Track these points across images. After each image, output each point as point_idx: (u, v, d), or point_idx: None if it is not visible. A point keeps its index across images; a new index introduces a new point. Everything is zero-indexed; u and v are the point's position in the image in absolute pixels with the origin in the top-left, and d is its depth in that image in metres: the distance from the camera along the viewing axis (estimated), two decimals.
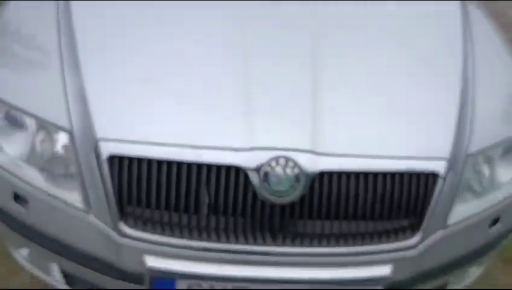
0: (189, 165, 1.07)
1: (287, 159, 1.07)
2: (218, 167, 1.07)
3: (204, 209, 1.09)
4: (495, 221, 1.34)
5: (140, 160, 1.08)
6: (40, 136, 1.18)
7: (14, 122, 1.22)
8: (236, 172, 1.07)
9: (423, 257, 1.20)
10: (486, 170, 1.28)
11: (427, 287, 1.31)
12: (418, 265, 1.21)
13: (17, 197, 1.21)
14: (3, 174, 1.21)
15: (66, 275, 1.30)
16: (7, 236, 1.38)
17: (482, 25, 1.62)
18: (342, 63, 1.30)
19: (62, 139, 1.16)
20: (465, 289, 1.47)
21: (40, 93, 1.23)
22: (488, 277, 1.87)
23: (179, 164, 1.07)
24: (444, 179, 1.15)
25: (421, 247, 1.18)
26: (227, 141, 1.09)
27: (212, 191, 1.08)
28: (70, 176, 1.15)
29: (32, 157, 1.19)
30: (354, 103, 1.22)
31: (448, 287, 1.40)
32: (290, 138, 1.10)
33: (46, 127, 1.17)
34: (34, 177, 1.18)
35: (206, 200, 1.09)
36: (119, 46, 1.30)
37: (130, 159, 1.08)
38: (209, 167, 1.07)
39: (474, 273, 1.49)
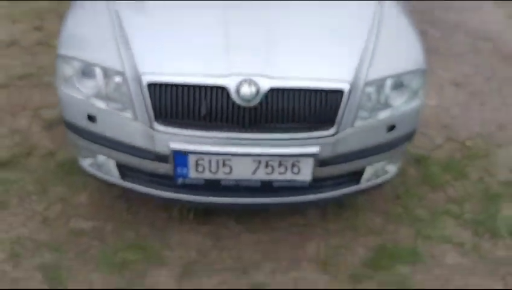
0: (195, 86, 1.85)
1: (251, 81, 1.84)
2: (212, 87, 1.85)
3: (203, 112, 1.86)
4: (391, 128, 2.09)
5: (167, 85, 1.85)
6: (105, 78, 1.97)
7: (86, 72, 2.02)
8: (222, 89, 1.84)
9: (338, 144, 1.95)
10: (380, 94, 2.04)
11: (348, 168, 2.06)
12: (335, 148, 1.96)
13: (90, 118, 2.00)
14: (81, 105, 2.01)
15: (120, 169, 2.07)
16: (79, 150, 2.14)
17: (392, 7, 2.42)
18: (286, 23, 2.13)
19: (118, 79, 1.94)
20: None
21: (102, 50, 2.01)
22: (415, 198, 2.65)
23: (189, 86, 1.85)
24: (348, 95, 1.92)
25: (336, 137, 1.93)
26: (217, 71, 1.86)
27: (208, 102, 1.85)
28: (125, 100, 1.93)
29: (99, 93, 1.98)
30: (291, 45, 2.02)
31: (367, 173, 2.15)
32: (252, 68, 1.87)
33: (108, 72, 1.96)
34: (101, 104, 1.97)
35: (204, 108, 1.86)
36: (149, 16, 2.17)
37: (161, 85, 1.86)
38: (206, 87, 1.85)
39: (388, 169, 2.23)
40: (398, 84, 2.10)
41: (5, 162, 2.66)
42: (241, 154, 1.89)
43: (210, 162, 1.90)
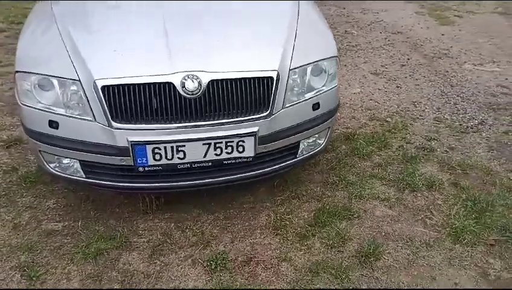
0: (145, 85, 2.13)
1: (193, 76, 2.16)
2: (160, 84, 2.14)
3: (155, 106, 2.14)
4: (317, 107, 2.48)
5: (119, 86, 2.13)
6: (61, 88, 2.21)
7: (43, 84, 2.24)
8: (169, 85, 2.14)
9: (273, 123, 2.30)
10: (303, 79, 2.42)
11: (285, 143, 2.41)
12: (272, 127, 2.31)
13: (52, 125, 2.22)
14: (42, 114, 2.23)
15: (84, 167, 2.30)
16: (43, 156, 2.35)
17: (305, 5, 2.84)
18: (216, 21, 2.53)
19: (74, 86, 2.19)
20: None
21: (56, 62, 2.25)
22: (346, 167, 3.04)
23: (139, 85, 2.13)
24: (276, 81, 2.28)
25: (271, 117, 2.29)
26: (163, 70, 2.16)
27: (157, 97, 2.14)
28: (83, 105, 2.18)
29: (58, 101, 2.21)
30: (223, 41, 2.38)
31: (301, 148, 2.51)
32: (193, 65, 2.19)
33: (64, 82, 2.20)
34: (61, 111, 2.21)
35: (155, 102, 2.15)
36: (94, 24, 2.48)
37: (113, 87, 2.13)
38: (155, 85, 2.14)
39: (318, 143, 2.61)
40: (318, 70, 2.50)
41: None
42: (192, 139, 2.19)
43: (165, 149, 2.19)
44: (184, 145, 2.20)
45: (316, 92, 2.47)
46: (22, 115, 2.32)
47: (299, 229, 2.48)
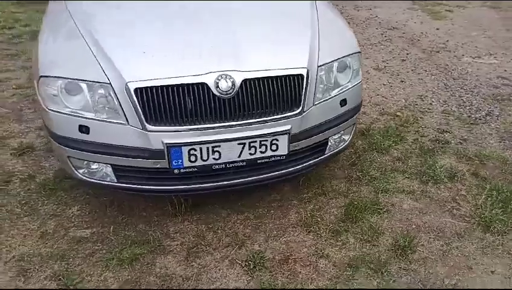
0: (179, 86, 2.11)
1: (227, 76, 2.14)
2: (194, 85, 2.12)
3: (189, 107, 2.12)
4: (344, 103, 2.49)
5: (153, 88, 2.09)
6: (90, 91, 2.16)
7: (71, 88, 2.19)
8: (202, 86, 2.12)
9: (305, 120, 2.31)
10: (330, 75, 2.43)
11: (315, 140, 2.42)
12: (303, 124, 2.31)
13: (82, 130, 2.18)
14: (71, 119, 2.18)
15: (116, 172, 2.26)
16: (71, 162, 2.29)
17: (321, 3, 2.85)
18: (241, 21, 2.52)
19: (104, 90, 2.15)
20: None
21: (83, 65, 2.20)
22: (367, 162, 3.06)
23: (173, 86, 2.10)
24: (307, 79, 2.28)
25: (302, 115, 2.29)
26: (196, 71, 2.14)
27: (191, 98, 2.12)
28: (114, 108, 2.14)
29: (87, 106, 2.17)
30: (252, 40, 2.37)
31: (329, 144, 2.52)
32: (226, 65, 2.17)
33: (93, 85, 2.16)
34: (91, 116, 2.16)
35: (190, 103, 2.12)
36: (118, 26, 2.44)
37: (147, 89, 2.10)
38: (189, 85, 2.11)
39: (344, 139, 2.62)
40: (342, 67, 2.51)
41: None
42: (227, 139, 2.17)
43: (201, 150, 2.16)
44: (219, 146, 2.18)
45: (343, 89, 2.48)
46: (48, 120, 2.26)
47: (331, 225, 2.48)
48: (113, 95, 2.13)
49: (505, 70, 4.63)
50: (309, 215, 2.56)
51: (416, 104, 3.93)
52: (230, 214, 2.59)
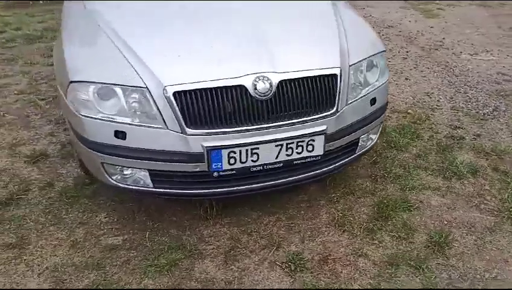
0: (217, 89, 2.08)
1: (264, 77, 2.12)
2: (232, 87, 2.09)
3: (228, 109, 2.09)
4: (374, 102, 2.50)
5: (191, 92, 2.06)
6: (125, 96, 2.12)
7: (104, 93, 2.14)
8: (240, 88, 2.10)
9: (339, 120, 2.30)
10: (360, 75, 2.44)
11: (348, 140, 2.42)
12: (338, 124, 2.31)
13: (118, 135, 2.12)
14: (106, 124, 2.12)
15: (153, 176, 2.21)
16: (105, 168, 2.24)
17: (341, 4, 2.87)
18: (268, 22, 2.50)
19: (140, 94, 2.10)
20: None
21: (116, 69, 2.15)
22: (389, 160, 3.08)
23: (212, 89, 2.07)
24: (340, 78, 2.28)
25: (337, 115, 2.28)
26: (233, 73, 2.11)
27: (230, 100, 2.09)
28: (152, 113, 2.09)
29: (123, 110, 2.12)
30: (283, 41, 2.35)
31: (360, 143, 2.53)
32: (262, 66, 2.16)
33: (128, 89, 2.11)
34: (127, 120, 2.11)
35: (229, 105, 2.09)
36: (147, 29, 2.39)
37: (185, 93, 2.06)
38: (227, 88, 2.09)
39: (372, 137, 2.64)
40: (370, 65, 2.52)
41: (5, 200, 2.64)
42: (265, 141, 2.15)
43: (240, 153, 2.14)
44: (258, 148, 2.16)
45: (372, 88, 2.49)
46: (80, 126, 2.19)
47: (364, 224, 2.49)
48: (150, 99, 2.08)
49: (504, 67, 4.74)
50: (341, 214, 2.56)
51: (425, 101, 3.98)
52: (261, 215, 2.57)
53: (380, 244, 2.36)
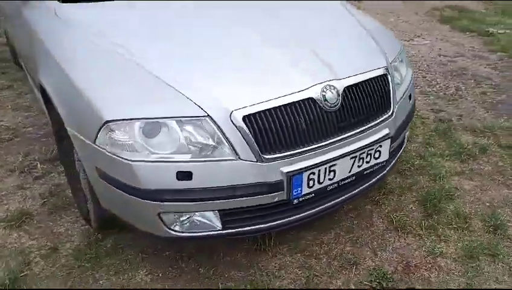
0: (286, 106, 1.84)
1: (330, 86, 1.94)
2: (301, 102, 1.87)
3: (303, 126, 1.87)
4: (410, 97, 2.46)
5: (261, 113, 1.79)
6: (184, 129, 1.77)
7: (151, 129, 1.77)
8: (309, 101, 1.88)
9: (395, 121, 2.21)
10: (396, 72, 2.38)
11: (401, 140, 2.35)
12: (395, 124, 2.21)
13: (180, 176, 1.76)
14: (163, 166, 1.75)
15: (223, 216, 1.88)
16: (163, 218, 1.85)
17: (350, 6, 2.79)
18: (298, 29, 2.35)
19: (203, 123, 1.77)
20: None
21: (165, 100, 1.80)
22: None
23: (281, 107, 1.83)
24: (391, 77, 2.19)
25: (394, 116, 2.18)
26: (298, 86, 1.89)
27: (301, 115, 1.87)
28: (218, 143, 1.77)
29: (182, 147, 1.77)
30: (326, 46, 2.20)
31: (404, 141, 2.47)
32: (325, 74, 1.97)
33: (185, 121, 1.76)
34: (188, 157, 1.77)
35: (302, 121, 1.87)
36: (173, 46, 2.08)
37: (255, 115, 1.78)
38: (296, 103, 1.86)
39: (406, 135, 2.59)
40: (399, 62, 2.47)
41: (10, 283, 2.06)
42: (342, 156, 1.97)
43: (319, 172, 1.92)
44: (335, 164, 1.96)
45: (406, 83, 2.44)
46: (128, 174, 1.78)
47: (422, 222, 2.43)
48: (215, 128, 1.77)
49: (440, 49, 5.10)
50: (393, 217, 2.46)
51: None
52: (317, 235, 2.37)
53: (448, 240, 2.32)
